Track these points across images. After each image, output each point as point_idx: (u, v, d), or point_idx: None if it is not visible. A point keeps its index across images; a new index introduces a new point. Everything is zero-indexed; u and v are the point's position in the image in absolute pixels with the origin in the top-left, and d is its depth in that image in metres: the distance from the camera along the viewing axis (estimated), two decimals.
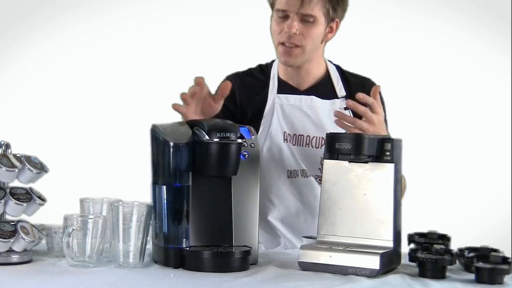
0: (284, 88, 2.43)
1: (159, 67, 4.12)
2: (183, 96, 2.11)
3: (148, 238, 1.85)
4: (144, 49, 4.15)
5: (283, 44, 2.32)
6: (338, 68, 2.50)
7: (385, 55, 4.05)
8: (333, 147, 1.87)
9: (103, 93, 4.11)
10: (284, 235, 2.40)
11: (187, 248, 1.82)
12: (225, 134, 1.83)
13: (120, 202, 1.84)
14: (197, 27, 4.12)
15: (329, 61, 2.50)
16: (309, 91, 2.43)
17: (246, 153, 1.91)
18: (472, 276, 1.78)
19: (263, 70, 2.49)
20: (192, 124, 1.89)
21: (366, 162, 1.86)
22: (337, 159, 1.89)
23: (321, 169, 2.34)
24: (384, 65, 3.87)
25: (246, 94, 2.44)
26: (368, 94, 2.34)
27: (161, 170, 1.84)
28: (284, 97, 2.41)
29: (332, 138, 1.88)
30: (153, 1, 4.15)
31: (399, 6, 4.10)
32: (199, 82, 2.12)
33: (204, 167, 1.83)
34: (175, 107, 2.12)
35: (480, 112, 4.12)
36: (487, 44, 4.11)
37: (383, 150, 1.85)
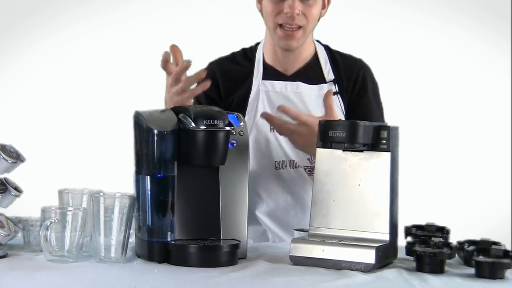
0: (270, 73, 2.39)
1: (158, 67, 4.11)
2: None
3: (131, 231, 1.83)
4: (144, 49, 4.18)
5: (281, 26, 2.28)
6: (327, 48, 2.46)
7: (385, 55, 4.08)
8: (326, 135, 1.83)
9: (103, 92, 4.13)
10: (273, 231, 2.36)
11: (172, 242, 1.79)
12: (213, 122, 1.80)
13: (101, 193, 1.81)
14: (197, 27, 4.15)
15: (318, 41, 2.46)
16: (296, 76, 2.39)
17: (234, 142, 1.88)
18: (472, 271, 1.75)
19: (247, 55, 2.45)
20: (177, 111, 1.86)
21: (361, 150, 1.83)
22: (330, 147, 1.86)
23: (310, 160, 2.32)
24: (384, 65, 3.86)
25: (230, 82, 2.39)
26: (358, 76, 2.40)
27: (144, 160, 1.82)
28: (269, 83, 2.37)
29: (325, 126, 1.84)
30: (153, 1, 4.19)
31: (399, 6, 4.13)
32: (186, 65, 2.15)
33: (190, 156, 1.81)
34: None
35: (480, 112, 4.14)
36: (487, 44, 4.15)
37: (379, 138, 1.82)
